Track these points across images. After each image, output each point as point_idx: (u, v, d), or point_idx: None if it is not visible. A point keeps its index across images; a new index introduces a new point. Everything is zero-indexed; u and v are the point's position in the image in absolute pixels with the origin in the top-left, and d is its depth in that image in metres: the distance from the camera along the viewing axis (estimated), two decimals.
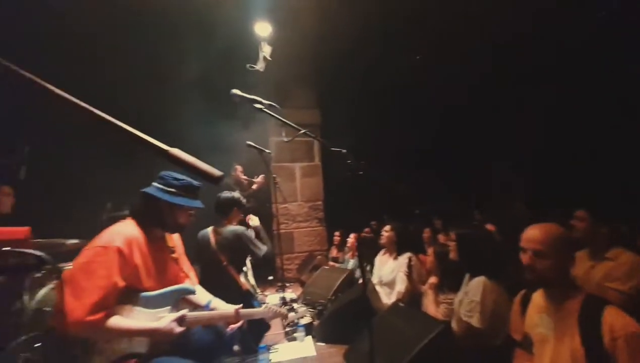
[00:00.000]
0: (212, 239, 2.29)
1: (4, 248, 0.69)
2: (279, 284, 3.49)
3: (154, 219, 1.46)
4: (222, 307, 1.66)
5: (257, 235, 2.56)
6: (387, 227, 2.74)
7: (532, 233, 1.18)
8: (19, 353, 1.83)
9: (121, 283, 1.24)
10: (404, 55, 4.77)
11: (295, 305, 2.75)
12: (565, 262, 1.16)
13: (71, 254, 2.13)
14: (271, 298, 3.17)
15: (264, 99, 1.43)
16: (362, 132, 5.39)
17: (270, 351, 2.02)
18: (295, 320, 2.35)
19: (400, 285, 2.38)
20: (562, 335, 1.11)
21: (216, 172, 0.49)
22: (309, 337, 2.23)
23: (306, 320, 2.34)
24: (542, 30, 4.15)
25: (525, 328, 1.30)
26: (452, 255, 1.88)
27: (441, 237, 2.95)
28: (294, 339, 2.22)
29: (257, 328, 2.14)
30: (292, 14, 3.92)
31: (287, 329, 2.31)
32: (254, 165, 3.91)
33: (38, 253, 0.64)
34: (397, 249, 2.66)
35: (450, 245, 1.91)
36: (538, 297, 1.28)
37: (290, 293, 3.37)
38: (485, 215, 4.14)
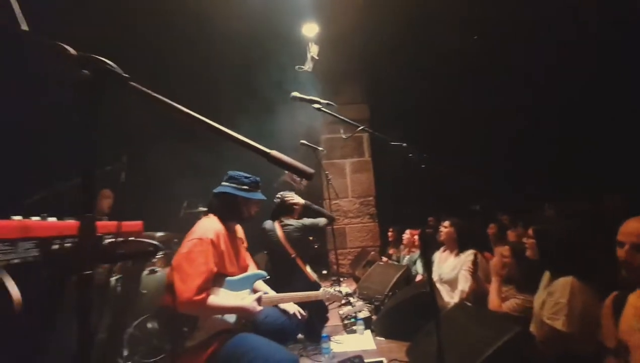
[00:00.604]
0: (279, 232, 2.47)
1: (129, 238, 0.87)
2: (334, 278, 3.58)
3: (233, 213, 1.69)
4: None
5: (311, 210, 2.73)
6: (446, 223, 2.61)
7: (632, 226, 1.07)
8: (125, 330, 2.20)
9: (215, 269, 1.46)
10: (455, 44, 4.48)
11: (351, 299, 2.80)
12: None
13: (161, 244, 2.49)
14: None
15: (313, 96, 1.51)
16: (413, 126, 5.20)
17: (332, 341, 2.10)
18: (353, 314, 2.39)
19: (464, 284, 2.27)
20: None
21: (309, 170, 0.56)
22: (368, 331, 2.26)
23: (364, 314, 2.37)
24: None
25: (619, 334, 1.16)
26: (529, 253, 1.72)
27: (511, 234, 2.71)
28: (353, 332, 2.27)
29: (319, 318, 2.26)
30: (337, 10, 3.94)
31: (345, 322, 2.37)
32: (305, 162, 4.04)
33: (155, 242, 0.79)
34: (458, 246, 2.53)
35: (527, 242, 1.75)
36: (636, 299, 1.13)
37: (345, 288, 3.43)
38: (559, 208, 3.68)
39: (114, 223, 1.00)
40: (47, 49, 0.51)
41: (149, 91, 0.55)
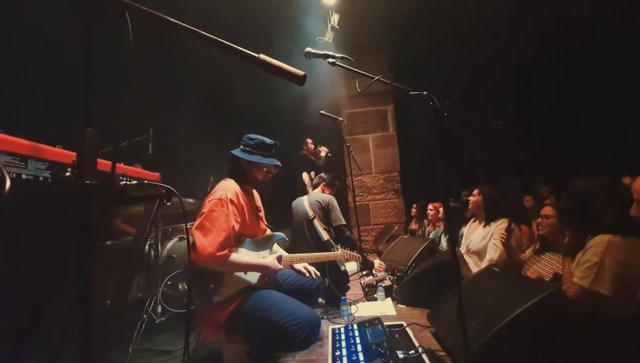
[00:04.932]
0: (306, 203, 2.60)
1: (144, 181, 0.91)
2: None
3: (241, 176, 1.66)
4: None
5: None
6: (475, 191, 2.47)
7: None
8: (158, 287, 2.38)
9: (236, 227, 1.48)
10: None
11: (374, 271, 2.78)
12: None
13: (190, 213, 2.63)
14: (348, 266, 3.27)
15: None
16: (439, 98, 4.88)
17: (352, 304, 2.11)
18: (374, 283, 2.38)
19: (493, 253, 2.15)
20: None
21: (300, 73, 0.51)
22: (389, 298, 2.24)
23: (386, 283, 2.35)
24: None
25: None
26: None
27: (548, 202, 2.49)
28: (374, 299, 2.26)
29: (339, 287, 2.28)
30: None
31: (367, 290, 2.36)
32: (329, 138, 3.98)
33: (168, 186, 0.82)
34: (486, 215, 2.39)
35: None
36: None
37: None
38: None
39: (131, 168, 1.03)
40: None
41: (142, 7, 0.54)
